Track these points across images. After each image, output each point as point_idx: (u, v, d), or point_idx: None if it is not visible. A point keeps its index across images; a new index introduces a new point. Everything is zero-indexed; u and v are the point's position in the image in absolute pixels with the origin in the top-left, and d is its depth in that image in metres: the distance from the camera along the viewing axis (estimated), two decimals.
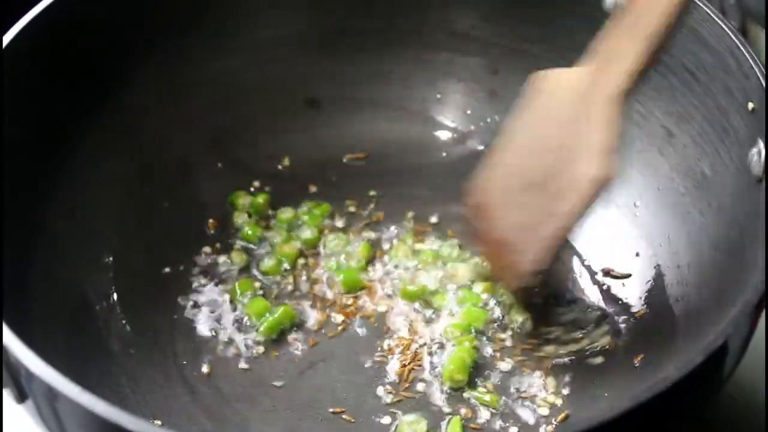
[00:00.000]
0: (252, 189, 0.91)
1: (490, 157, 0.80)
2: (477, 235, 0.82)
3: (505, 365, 0.80)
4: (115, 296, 0.83)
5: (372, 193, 0.91)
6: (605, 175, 0.72)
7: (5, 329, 0.63)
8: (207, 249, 0.87)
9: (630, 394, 0.59)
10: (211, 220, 0.88)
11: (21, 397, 0.66)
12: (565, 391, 0.78)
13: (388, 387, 0.78)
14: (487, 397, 0.78)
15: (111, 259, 0.84)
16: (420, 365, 0.80)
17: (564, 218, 0.74)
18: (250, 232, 0.87)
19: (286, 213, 0.89)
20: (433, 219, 0.89)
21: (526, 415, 0.77)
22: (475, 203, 0.81)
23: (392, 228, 0.88)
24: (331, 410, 0.78)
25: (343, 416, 0.77)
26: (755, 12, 1.01)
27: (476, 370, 0.79)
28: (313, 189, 0.91)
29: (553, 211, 0.74)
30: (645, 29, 0.68)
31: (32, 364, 0.62)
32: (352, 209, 0.90)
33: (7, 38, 0.77)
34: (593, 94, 0.72)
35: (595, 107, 0.71)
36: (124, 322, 0.82)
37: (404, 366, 0.79)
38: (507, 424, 0.77)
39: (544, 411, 0.77)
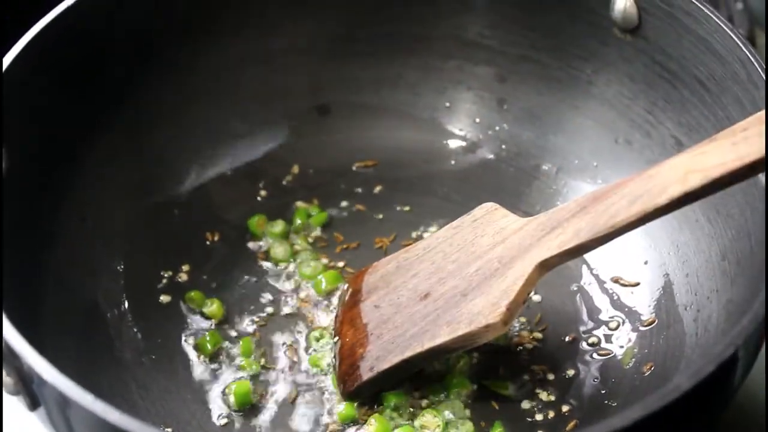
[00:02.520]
0: (258, 198, 0.91)
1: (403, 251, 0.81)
2: (343, 311, 0.81)
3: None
4: (126, 304, 0.83)
5: (380, 201, 0.91)
6: (500, 328, 0.73)
7: (18, 337, 0.63)
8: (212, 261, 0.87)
9: (640, 404, 0.59)
10: (207, 232, 0.89)
11: (33, 404, 0.66)
12: (574, 401, 0.78)
13: None
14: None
15: (122, 267, 0.84)
16: None
17: (437, 341, 0.74)
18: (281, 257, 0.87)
19: (277, 227, 0.89)
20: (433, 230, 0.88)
21: (534, 425, 0.77)
22: (359, 281, 0.81)
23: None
24: None
25: None
26: (759, 16, 1.02)
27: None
28: (319, 196, 0.91)
29: (432, 330, 0.75)
30: (604, 224, 0.69)
31: (45, 372, 0.62)
32: (357, 217, 0.90)
33: (12, 54, 0.77)
34: (524, 248, 0.73)
35: (522, 262, 0.73)
36: (135, 330, 0.82)
37: None
38: None
39: (553, 420, 0.77)
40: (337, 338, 0.80)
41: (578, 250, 0.71)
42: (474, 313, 0.73)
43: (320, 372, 0.80)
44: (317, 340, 0.82)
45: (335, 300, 0.84)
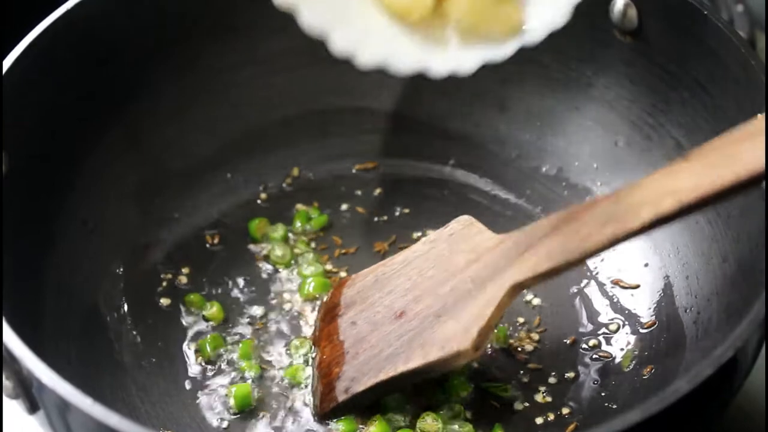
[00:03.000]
0: (258, 201, 0.91)
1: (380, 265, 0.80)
2: (322, 325, 0.81)
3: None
4: (125, 307, 0.83)
5: (380, 203, 0.91)
6: (471, 354, 0.72)
7: (17, 340, 0.64)
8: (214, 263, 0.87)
9: (640, 407, 0.59)
10: (207, 235, 0.89)
11: (32, 408, 0.66)
12: (573, 403, 0.78)
13: None
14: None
15: (121, 269, 0.85)
16: None
17: (410, 365, 0.74)
18: (281, 258, 0.87)
19: (278, 230, 0.89)
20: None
21: (534, 428, 0.77)
22: (337, 294, 0.81)
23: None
24: None
25: None
26: (760, 18, 1.01)
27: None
28: (319, 199, 0.91)
29: (406, 353, 0.74)
30: (576, 247, 0.69)
31: (44, 376, 0.62)
32: (358, 220, 0.90)
33: (13, 55, 0.77)
34: (498, 269, 0.72)
35: (494, 284, 0.72)
36: (135, 333, 0.82)
37: None
38: None
39: (552, 423, 0.77)
40: (316, 352, 0.80)
41: (551, 273, 0.71)
42: (446, 338, 0.73)
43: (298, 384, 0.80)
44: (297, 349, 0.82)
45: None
